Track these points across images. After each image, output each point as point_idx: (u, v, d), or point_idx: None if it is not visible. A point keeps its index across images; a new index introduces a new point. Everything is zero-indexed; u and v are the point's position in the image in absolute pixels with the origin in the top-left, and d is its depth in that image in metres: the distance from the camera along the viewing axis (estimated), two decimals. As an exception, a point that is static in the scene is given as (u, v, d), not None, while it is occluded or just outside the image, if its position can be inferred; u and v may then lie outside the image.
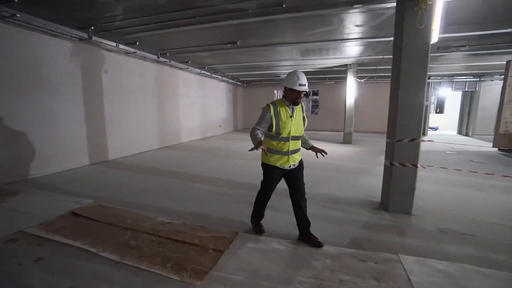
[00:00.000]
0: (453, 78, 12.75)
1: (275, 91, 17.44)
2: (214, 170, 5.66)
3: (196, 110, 10.94)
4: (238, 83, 15.05)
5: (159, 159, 6.98)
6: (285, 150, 2.45)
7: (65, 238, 2.64)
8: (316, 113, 16.51)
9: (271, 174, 2.54)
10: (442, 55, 7.78)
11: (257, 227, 2.79)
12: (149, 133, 8.08)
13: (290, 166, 2.51)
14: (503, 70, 8.30)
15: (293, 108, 2.46)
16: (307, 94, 17.07)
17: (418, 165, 3.22)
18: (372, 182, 4.55)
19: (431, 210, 3.39)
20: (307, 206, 2.61)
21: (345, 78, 9.88)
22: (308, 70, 10.70)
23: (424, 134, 13.31)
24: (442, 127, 16.73)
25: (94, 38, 5.50)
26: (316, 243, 2.52)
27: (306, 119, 2.58)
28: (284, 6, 4.23)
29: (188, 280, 2.01)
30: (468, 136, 12.89)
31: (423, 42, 3.04)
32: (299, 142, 2.58)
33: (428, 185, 4.47)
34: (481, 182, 4.70)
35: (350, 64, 9.53)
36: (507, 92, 7.75)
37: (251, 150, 2.23)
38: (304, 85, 2.36)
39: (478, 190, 4.27)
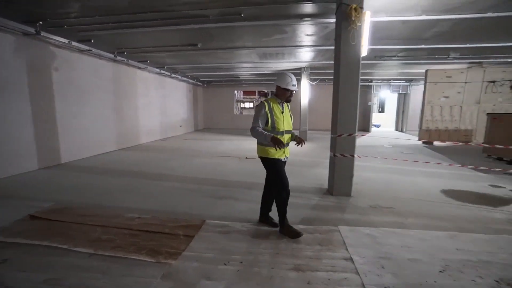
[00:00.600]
0: (390, 82, 14.71)
1: (235, 91, 17.83)
2: (178, 169, 5.81)
3: (155, 110, 10.73)
4: (198, 83, 15.05)
5: (119, 160, 6.81)
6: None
7: (30, 240, 2.63)
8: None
9: (275, 165, 2.69)
10: (379, 63, 9.06)
11: (294, 231, 2.69)
12: (106, 134, 7.77)
13: (284, 158, 2.76)
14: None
15: (282, 105, 2.76)
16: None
17: (355, 155, 3.92)
18: (322, 173, 5.24)
19: (366, 192, 4.15)
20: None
21: (300, 80, 10.74)
22: (266, 72, 11.33)
23: (368, 131, 15.07)
24: (384, 125, 19.03)
25: (43, 33, 5.19)
26: (274, 224, 2.97)
27: (292, 116, 2.89)
28: (242, 15, 4.64)
29: (163, 261, 2.28)
30: (403, 132, 15.00)
31: (355, 54, 3.73)
32: (290, 136, 2.82)
33: (366, 172, 5.33)
34: (407, 169, 5.76)
35: (304, 67, 10.40)
36: (426, 96, 9.37)
37: (276, 147, 2.45)
38: (295, 85, 2.70)
39: (404, 175, 5.25)
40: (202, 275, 2.09)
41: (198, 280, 2.03)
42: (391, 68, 10.82)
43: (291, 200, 2.78)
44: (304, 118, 10.90)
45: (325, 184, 4.48)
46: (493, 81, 9.01)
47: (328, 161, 4.41)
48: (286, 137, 2.74)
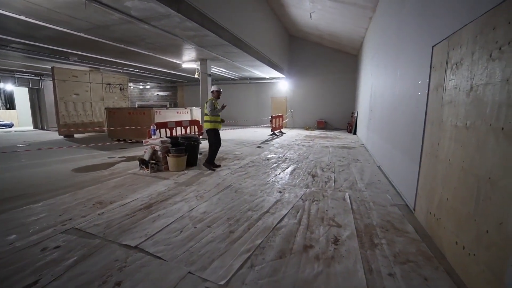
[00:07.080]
0: (14, 74, 12.79)
1: None
2: None
3: None
4: None
5: None
6: (219, 120, 5.20)
7: None
8: None
9: (218, 133, 5.19)
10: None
11: (214, 165, 5.39)
12: None
13: (220, 129, 5.31)
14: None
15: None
16: None
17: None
18: None
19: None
20: None
21: None
22: None
23: (-5, 132, 12.12)
24: (19, 124, 16.33)
25: None
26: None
27: None
28: None
29: None
30: (44, 129, 14.12)
31: None
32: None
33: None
34: (46, 161, 6.05)
35: None
36: (58, 92, 9.87)
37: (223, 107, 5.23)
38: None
39: (42, 167, 5.51)
40: None
41: None
42: (11, 59, 9.62)
43: None
44: None
45: None
46: (109, 84, 11.87)
47: None
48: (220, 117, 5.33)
